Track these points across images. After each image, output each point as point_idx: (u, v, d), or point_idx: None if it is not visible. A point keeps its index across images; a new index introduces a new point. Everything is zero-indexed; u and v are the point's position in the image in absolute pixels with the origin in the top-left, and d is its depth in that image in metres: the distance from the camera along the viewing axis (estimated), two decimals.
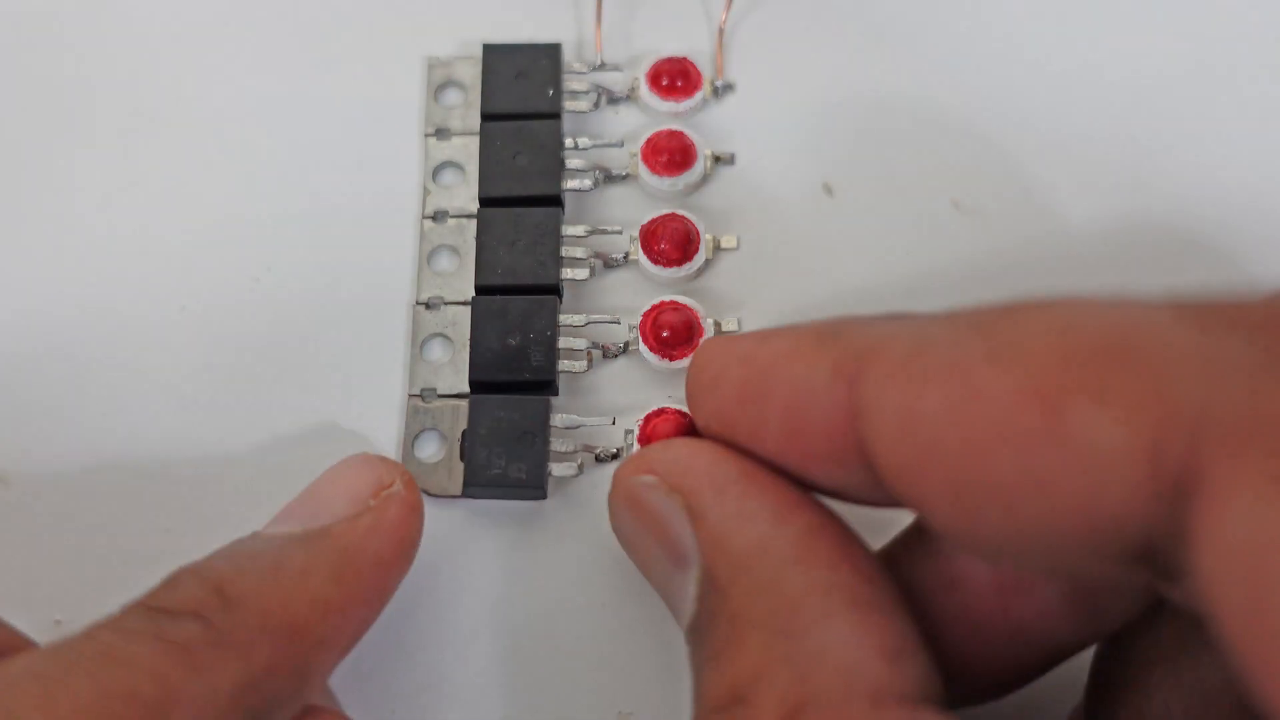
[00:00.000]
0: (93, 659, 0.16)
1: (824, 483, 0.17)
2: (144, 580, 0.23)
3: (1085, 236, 0.26)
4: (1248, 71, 0.27)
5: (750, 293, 0.25)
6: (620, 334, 0.25)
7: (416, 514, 0.21)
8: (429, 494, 0.24)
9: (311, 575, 0.19)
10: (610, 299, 0.25)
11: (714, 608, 0.16)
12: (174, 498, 0.24)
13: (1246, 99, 0.27)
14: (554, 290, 0.25)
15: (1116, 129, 0.27)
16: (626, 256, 0.25)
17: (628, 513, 0.19)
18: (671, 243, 0.25)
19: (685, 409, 0.24)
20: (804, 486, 0.18)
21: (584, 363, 0.24)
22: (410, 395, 0.24)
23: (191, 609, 0.18)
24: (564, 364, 0.24)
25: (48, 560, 0.23)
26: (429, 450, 0.24)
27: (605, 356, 0.25)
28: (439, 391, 0.24)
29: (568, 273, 0.25)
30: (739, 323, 0.25)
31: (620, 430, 0.24)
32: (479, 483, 0.23)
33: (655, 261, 0.25)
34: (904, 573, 0.17)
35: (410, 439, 0.24)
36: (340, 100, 0.27)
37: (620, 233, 0.26)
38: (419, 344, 0.25)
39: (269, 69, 0.28)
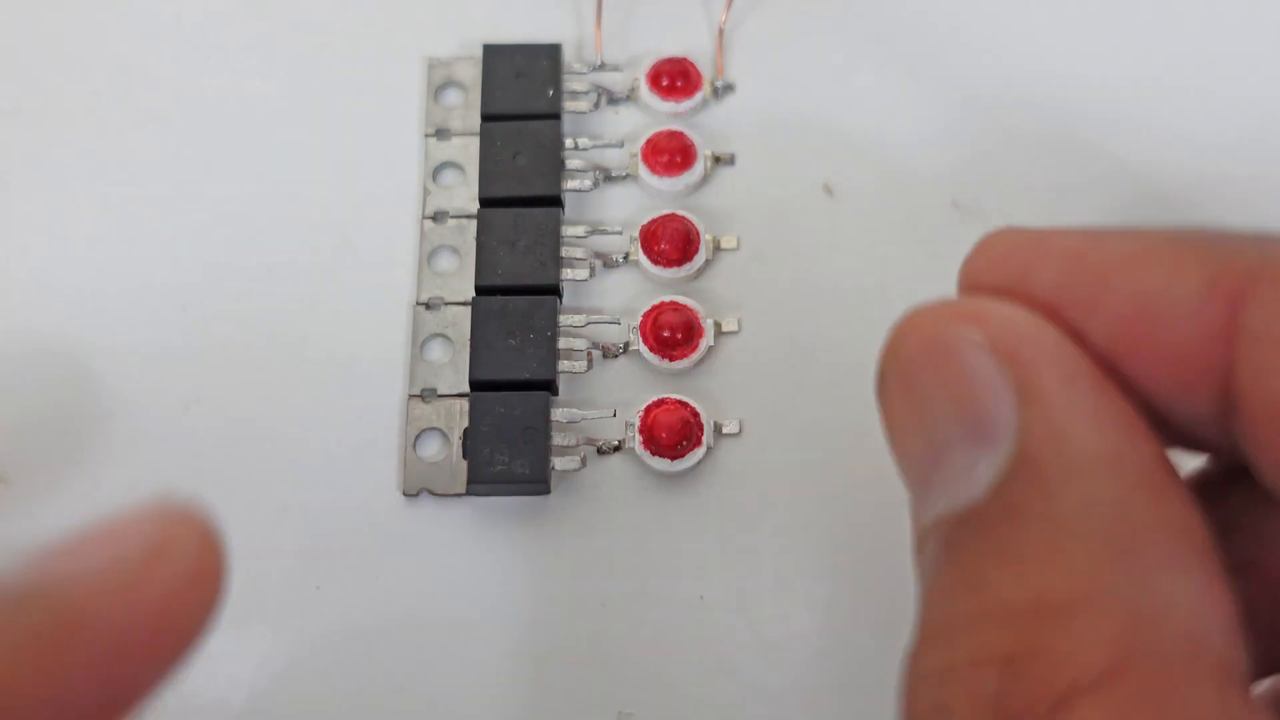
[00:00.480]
0: None
1: (1157, 409, 0.15)
2: None
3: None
4: (1248, 70, 0.27)
5: (750, 293, 0.25)
6: (620, 334, 0.25)
7: (199, 587, 0.15)
8: (433, 493, 0.24)
9: None
10: (610, 299, 0.25)
11: (1025, 503, 0.14)
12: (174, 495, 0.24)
13: (1248, 97, 0.27)
14: (554, 290, 0.25)
15: (1117, 128, 0.27)
16: (626, 256, 0.25)
17: (927, 362, 0.15)
18: (671, 243, 0.25)
19: (685, 400, 0.24)
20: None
21: (584, 363, 0.24)
22: (410, 395, 0.24)
23: None
24: (564, 364, 0.24)
25: None
26: (431, 450, 0.24)
27: (605, 357, 0.25)
28: (439, 391, 0.24)
29: (568, 273, 0.25)
30: (739, 323, 0.25)
31: (621, 422, 0.24)
32: (483, 480, 0.23)
33: (655, 262, 0.25)
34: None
35: (411, 439, 0.24)
36: (341, 100, 0.27)
37: (620, 233, 0.26)
38: (419, 344, 0.25)
39: (269, 69, 0.28)
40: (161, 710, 0.22)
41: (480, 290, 0.25)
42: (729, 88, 0.27)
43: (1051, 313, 0.15)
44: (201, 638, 0.15)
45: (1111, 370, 0.15)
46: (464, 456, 0.24)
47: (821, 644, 0.23)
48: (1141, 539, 0.13)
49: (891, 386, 0.16)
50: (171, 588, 0.15)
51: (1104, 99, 0.27)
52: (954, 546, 0.14)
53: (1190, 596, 0.13)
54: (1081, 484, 0.14)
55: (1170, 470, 0.14)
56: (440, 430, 0.24)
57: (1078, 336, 0.15)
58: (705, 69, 0.27)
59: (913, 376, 0.16)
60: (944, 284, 0.25)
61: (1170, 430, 0.15)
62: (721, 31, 0.27)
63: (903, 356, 0.16)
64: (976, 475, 0.14)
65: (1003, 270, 0.16)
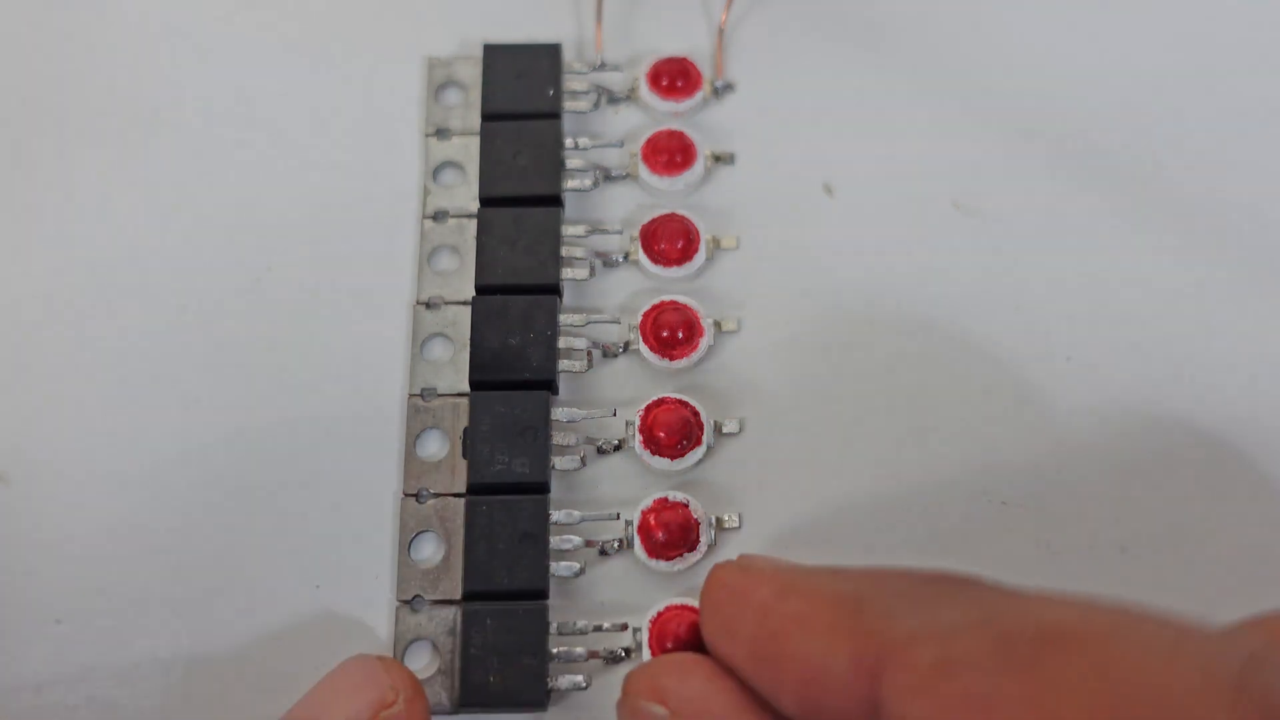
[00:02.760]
0: None
1: None
2: (144, 579, 0.23)
3: (1085, 236, 0.26)
4: (1249, 68, 0.27)
5: (750, 292, 0.25)
6: (620, 333, 0.25)
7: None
8: (435, 494, 0.24)
9: None
10: (610, 298, 0.25)
11: None
12: (174, 495, 0.24)
13: (1248, 95, 0.27)
14: (554, 290, 0.25)
15: (1117, 127, 0.27)
16: (627, 256, 0.25)
17: None
18: (671, 242, 0.25)
19: (685, 400, 0.24)
20: None
21: (584, 362, 0.24)
22: (411, 395, 0.24)
23: None
24: (564, 364, 0.24)
25: (48, 560, 0.23)
26: (431, 449, 0.24)
27: (605, 356, 0.25)
28: (439, 391, 0.24)
29: (567, 272, 0.25)
30: (739, 322, 0.25)
31: (621, 421, 0.24)
32: (483, 480, 0.23)
33: (655, 261, 0.25)
34: None
35: (412, 438, 0.24)
36: (341, 100, 0.27)
37: (620, 232, 0.26)
38: (419, 344, 0.25)
39: (270, 69, 0.28)
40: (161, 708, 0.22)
41: (480, 290, 0.25)
42: (729, 87, 0.27)
43: (752, 664, 0.17)
44: None
45: (798, 711, 0.17)
46: (464, 455, 0.24)
47: None
48: None
49: None
50: None
51: (1104, 99, 0.27)
52: None
53: None
54: None
55: None
56: (440, 429, 0.24)
57: (771, 686, 0.17)
58: (705, 68, 0.27)
59: None
60: (943, 284, 0.25)
61: None
62: (721, 31, 0.27)
63: None
64: None
65: (719, 617, 0.18)
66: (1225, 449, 0.24)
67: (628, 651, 0.22)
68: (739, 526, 0.24)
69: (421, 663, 0.23)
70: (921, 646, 0.15)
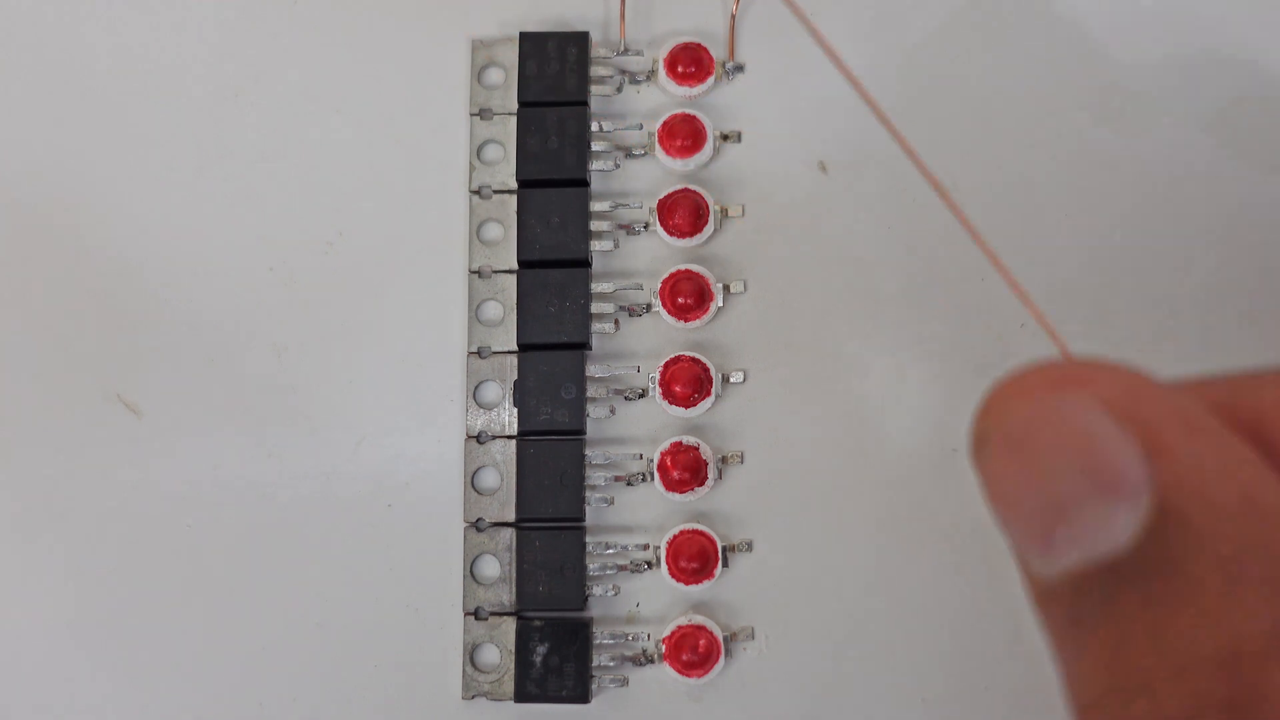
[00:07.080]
0: None
1: None
2: (245, 498, 0.29)
3: (1056, 215, 0.29)
4: (1242, 51, 0.30)
5: (754, 258, 0.29)
6: (643, 297, 0.29)
7: None
8: (493, 436, 0.29)
9: None
10: (634, 262, 0.30)
11: (1181, 554, 0.14)
12: (263, 425, 0.29)
13: (1222, 83, 0.30)
14: (585, 263, 0.29)
15: (1090, 113, 0.30)
16: (646, 226, 0.29)
17: (1043, 425, 0.15)
18: (685, 217, 0.29)
19: (697, 357, 0.29)
20: None
21: (612, 325, 0.29)
22: (469, 352, 0.29)
23: None
24: (595, 326, 0.29)
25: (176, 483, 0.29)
26: (490, 397, 0.29)
27: (631, 316, 0.29)
28: (494, 349, 0.29)
29: (596, 245, 0.29)
30: (744, 284, 0.29)
31: (644, 376, 0.29)
32: (531, 426, 0.28)
33: (670, 233, 0.29)
34: None
35: (472, 389, 0.29)
36: (396, 83, 0.31)
37: (640, 206, 0.30)
38: (474, 307, 0.29)
39: (333, 51, 0.31)
40: None
41: (523, 264, 0.29)
42: (739, 68, 0.30)
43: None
44: None
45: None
46: (514, 404, 0.29)
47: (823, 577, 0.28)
48: None
49: (998, 449, 0.16)
50: None
51: (1084, 85, 0.30)
52: (1107, 600, 0.15)
53: None
54: (1230, 529, 0.14)
55: None
56: (496, 381, 0.29)
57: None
58: (718, 49, 0.30)
59: (1026, 439, 0.16)
60: (917, 256, 0.29)
61: None
62: (733, 17, 0.30)
63: (1011, 421, 0.16)
64: (1116, 528, 0.14)
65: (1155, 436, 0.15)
66: None
67: (649, 564, 0.28)
68: (742, 463, 0.29)
69: (488, 571, 0.28)
70: None
